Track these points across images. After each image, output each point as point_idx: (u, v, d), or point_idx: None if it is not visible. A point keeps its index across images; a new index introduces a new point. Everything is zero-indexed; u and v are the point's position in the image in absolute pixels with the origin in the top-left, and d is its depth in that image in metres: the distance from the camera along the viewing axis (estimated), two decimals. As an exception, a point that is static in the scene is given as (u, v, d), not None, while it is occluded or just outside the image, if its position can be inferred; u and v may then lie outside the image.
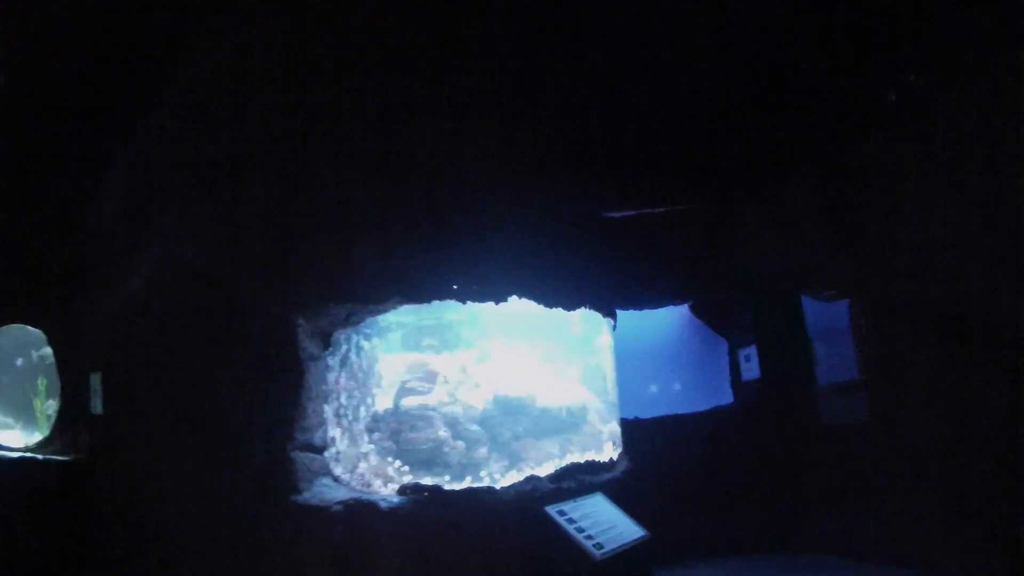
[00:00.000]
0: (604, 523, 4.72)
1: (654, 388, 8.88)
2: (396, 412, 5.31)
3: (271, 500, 4.41)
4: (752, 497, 6.61)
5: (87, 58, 5.42)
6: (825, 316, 7.13)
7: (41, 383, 8.39)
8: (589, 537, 4.44)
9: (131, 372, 5.68)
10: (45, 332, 7.72)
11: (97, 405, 6.29)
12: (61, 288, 7.36)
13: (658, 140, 6.29)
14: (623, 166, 6.54)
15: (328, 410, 4.80)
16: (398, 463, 4.98)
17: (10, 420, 8.83)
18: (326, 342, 4.80)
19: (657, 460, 6.33)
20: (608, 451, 5.96)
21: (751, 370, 7.30)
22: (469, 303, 4.88)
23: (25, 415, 8.56)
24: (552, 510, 4.55)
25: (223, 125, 4.97)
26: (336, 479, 4.66)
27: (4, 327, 7.57)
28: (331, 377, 4.91)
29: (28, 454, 7.20)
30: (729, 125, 6.06)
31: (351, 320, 4.75)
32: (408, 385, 5.52)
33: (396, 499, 4.43)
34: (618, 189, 6.87)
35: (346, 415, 5.09)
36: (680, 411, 7.12)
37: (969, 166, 4.80)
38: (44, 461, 6.71)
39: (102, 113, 5.98)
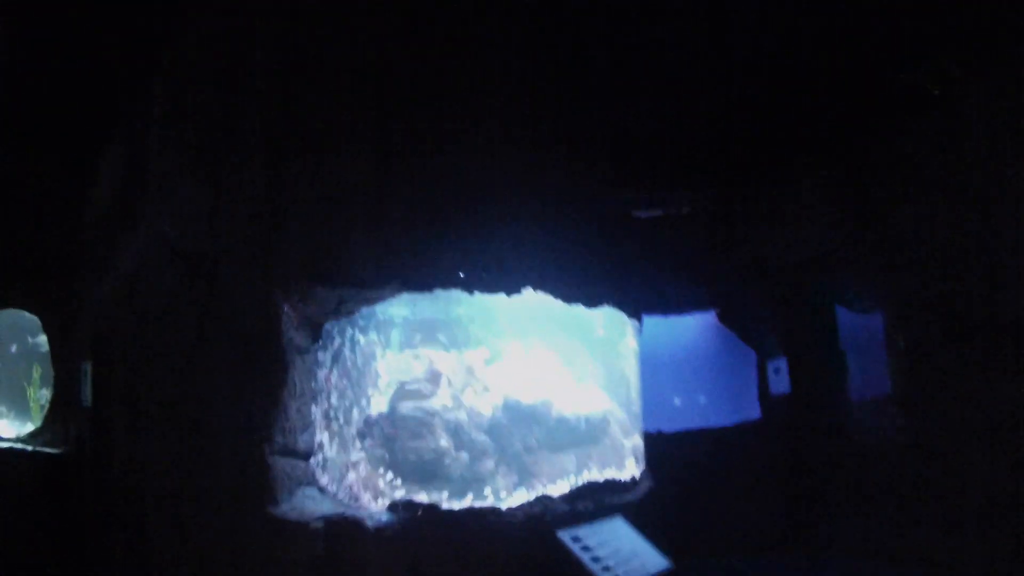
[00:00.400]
0: (624, 552, 4.16)
1: (678, 401, 8.43)
2: (392, 416, 4.77)
3: (245, 510, 3.93)
4: (777, 521, 6.16)
5: (83, 42, 5.38)
6: (857, 325, 6.80)
7: (35, 371, 8.14)
8: (607, 568, 3.89)
9: (117, 361, 5.33)
10: (41, 319, 7.54)
11: (87, 396, 6.08)
12: (60, 274, 7.18)
13: (687, 140, 6.15)
14: (650, 166, 6.34)
15: (316, 411, 4.29)
16: (390, 475, 4.43)
17: (3, 408, 8.60)
18: (316, 334, 4.28)
19: (682, 480, 5.93)
20: (630, 467, 5.36)
21: (781, 384, 6.89)
22: (477, 294, 4.35)
23: (18, 404, 8.32)
24: (566, 535, 4.00)
25: (214, 110, 4.70)
26: (322, 490, 4.13)
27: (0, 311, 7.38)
28: (321, 374, 4.40)
29: (19, 445, 7.07)
30: (755, 123, 5.92)
31: (344, 308, 4.24)
32: (408, 386, 4.97)
33: (385, 517, 3.88)
34: (646, 189, 6.75)
35: (337, 418, 4.57)
36: (706, 425, 6.76)
37: (1002, 161, 4.53)
38: (33, 453, 6.55)
39: (101, 95, 5.85)
